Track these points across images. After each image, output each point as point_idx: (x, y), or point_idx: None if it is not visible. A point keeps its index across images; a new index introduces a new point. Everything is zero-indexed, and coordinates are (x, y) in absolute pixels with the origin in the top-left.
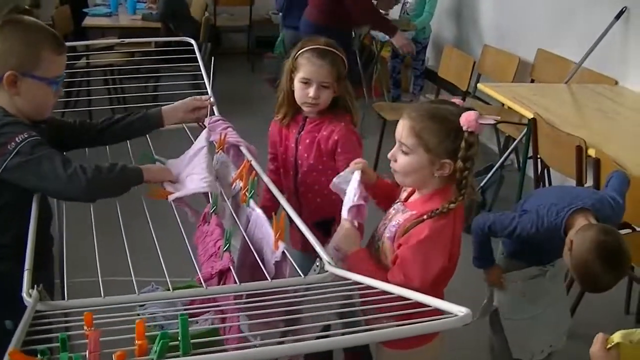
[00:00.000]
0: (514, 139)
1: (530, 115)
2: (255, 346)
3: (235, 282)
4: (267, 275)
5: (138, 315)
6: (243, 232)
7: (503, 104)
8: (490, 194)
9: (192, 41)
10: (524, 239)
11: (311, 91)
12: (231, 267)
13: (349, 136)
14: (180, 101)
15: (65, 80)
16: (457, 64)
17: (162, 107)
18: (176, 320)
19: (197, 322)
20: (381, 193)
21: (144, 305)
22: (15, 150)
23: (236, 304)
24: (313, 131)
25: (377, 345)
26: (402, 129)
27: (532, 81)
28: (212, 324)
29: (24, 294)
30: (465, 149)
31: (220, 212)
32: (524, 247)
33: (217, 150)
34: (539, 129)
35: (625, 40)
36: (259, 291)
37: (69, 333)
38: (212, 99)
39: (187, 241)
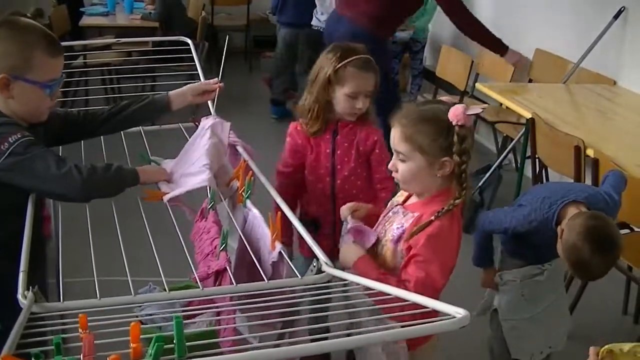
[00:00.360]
0: (512, 139)
1: (528, 115)
2: (251, 348)
3: (232, 283)
4: (264, 275)
5: (136, 316)
6: (240, 232)
7: (501, 104)
8: (488, 194)
9: (188, 40)
10: (521, 235)
11: (359, 103)
12: (227, 267)
13: (382, 136)
14: (188, 85)
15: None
16: (455, 63)
17: (169, 92)
18: (172, 323)
19: (194, 323)
20: (377, 218)
21: (142, 305)
22: (9, 151)
23: (233, 304)
24: (350, 134)
25: None
26: (395, 137)
27: (530, 81)
28: (208, 325)
29: (19, 296)
30: (458, 143)
31: (217, 209)
32: (522, 245)
33: None
34: (537, 129)
35: (623, 40)
36: (256, 292)
37: (65, 336)
38: (221, 84)
39: (182, 241)
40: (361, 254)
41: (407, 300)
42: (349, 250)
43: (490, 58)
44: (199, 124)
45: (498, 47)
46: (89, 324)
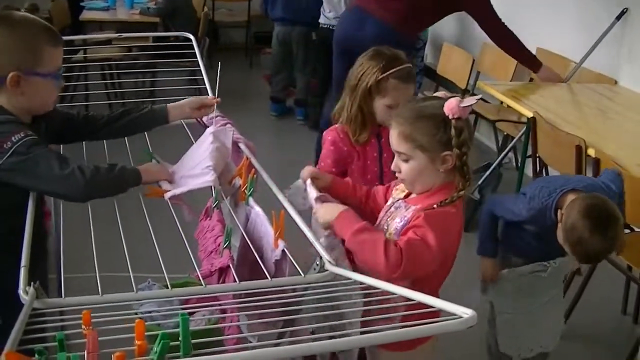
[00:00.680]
0: (513, 138)
1: (530, 114)
2: (254, 346)
3: (235, 280)
4: (266, 273)
5: (136, 313)
6: (242, 230)
7: (502, 102)
8: (488, 192)
9: (191, 36)
10: (521, 227)
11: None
12: (231, 265)
13: None
14: (187, 99)
15: (62, 74)
16: (456, 61)
17: (168, 104)
18: (174, 319)
19: (192, 320)
20: (343, 191)
21: (140, 302)
22: (11, 150)
23: (235, 302)
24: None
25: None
26: (394, 138)
27: (531, 80)
28: (210, 322)
29: (21, 292)
30: (456, 135)
31: (222, 207)
32: (522, 239)
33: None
34: (539, 128)
35: (624, 40)
36: (259, 290)
37: (67, 332)
38: (219, 99)
39: (184, 237)
40: (341, 208)
41: (412, 300)
42: (328, 207)
43: (492, 56)
44: (201, 120)
45: (532, 62)
46: (93, 320)
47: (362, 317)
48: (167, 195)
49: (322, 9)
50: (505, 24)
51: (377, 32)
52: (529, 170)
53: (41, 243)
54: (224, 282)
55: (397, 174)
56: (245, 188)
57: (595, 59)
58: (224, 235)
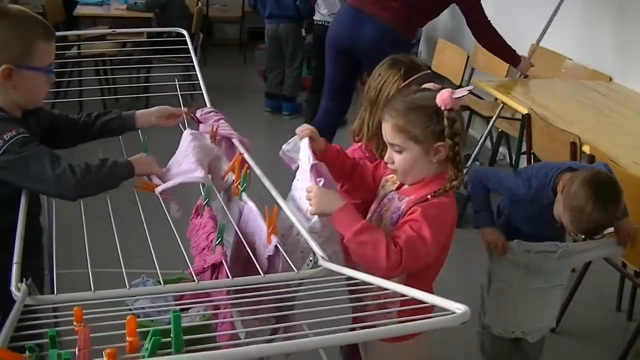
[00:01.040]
0: (507, 134)
1: (524, 111)
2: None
3: (228, 277)
4: (259, 269)
5: (129, 309)
6: (235, 226)
7: (496, 99)
8: None
9: (184, 32)
10: (518, 206)
11: None
12: (223, 261)
13: None
14: (156, 107)
15: (55, 70)
16: (451, 58)
17: (137, 111)
18: (167, 316)
19: (187, 316)
20: (332, 160)
21: (134, 298)
22: (3, 149)
23: (228, 298)
24: None
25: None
26: (388, 131)
27: (526, 76)
28: (203, 318)
29: (13, 288)
30: (449, 126)
31: (213, 205)
32: (520, 222)
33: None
34: (533, 124)
35: (619, 37)
36: (251, 286)
37: (58, 328)
38: (185, 112)
39: (176, 234)
40: (340, 202)
41: (406, 295)
42: (327, 196)
43: (486, 53)
44: (195, 115)
45: (513, 58)
46: (86, 316)
47: (356, 312)
48: (158, 189)
49: (316, 6)
50: (499, 22)
51: (376, 32)
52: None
53: (36, 239)
54: (217, 278)
55: (389, 165)
56: (239, 183)
57: (590, 56)
58: (216, 232)
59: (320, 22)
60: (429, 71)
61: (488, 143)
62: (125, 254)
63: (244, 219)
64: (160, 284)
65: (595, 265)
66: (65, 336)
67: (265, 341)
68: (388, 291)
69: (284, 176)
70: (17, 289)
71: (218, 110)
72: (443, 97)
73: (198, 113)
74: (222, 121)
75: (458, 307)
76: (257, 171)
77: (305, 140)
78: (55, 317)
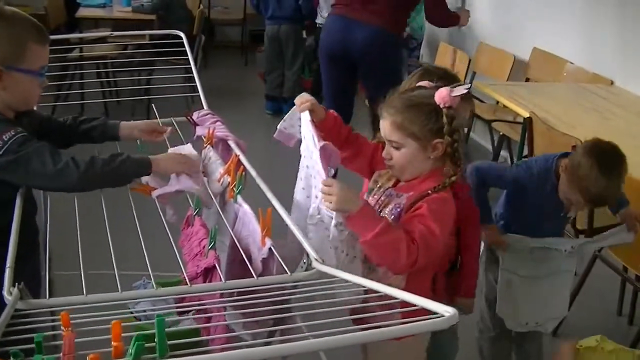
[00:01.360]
0: (508, 138)
1: (526, 114)
2: (241, 346)
3: (221, 280)
4: (253, 272)
5: (131, 312)
6: (230, 229)
7: (497, 102)
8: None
9: (182, 34)
10: (524, 196)
11: None
12: (217, 265)
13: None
14: (142, 121)
15: (57, 72)
16: (452, 61)
17: (122, 122)
18: (168, 318)
19: (188, 320)
20: (330, 128)
21: (136, 301)
22: (3, 149)
23: (222, 301)
24: None
25: None
26: (386, 127)
27: (528, 80)
28: (192, 323)
29: (5, 292)
30: (448, 123)
31: (203, 214)
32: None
33: (205, 145)
34: (535, 128)
35: (621, 40)
36: (245, 289)
37: (47, 333)
38: (169, 129)
39: (171, 238)
40: (360, 203)
41: (396, 298)
42: (348, 195)
43: (488, 56)
44: (191, 117)
45: (456, 21)
46: (77, 320)
47: (350, 314)
48: (155, 193)
49: (318, 9)
50: (501, 24)
51: (367, 35)
52: None
53: (32, 237)
54: (210, 282)
55: (386, 162)
56: (234, 186)
57: (591, 59)
58: (208, 238)
59: (322, 26)
60: (462, 82)
61: (489, 147)
62: (124, 256)
63: (239, 221)
64: (160, 286)
65: (597, 269)
66: (58, 341)
67: (262, 344)
68: (380, 294)
69: (284, 178)
70: (9, 293)
71: (217, 113)
72: (442, 95)
73: (195, 115)
74: (218, 123)
75: (446, 310)
76: (253, 173)
77: (307, 115)
78: (47, 321)
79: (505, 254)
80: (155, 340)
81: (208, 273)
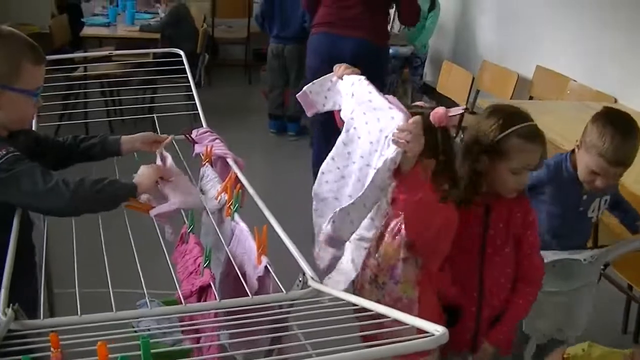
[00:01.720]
0: None
1: None
2: None
3: (216, 299)
4: (248, 291)
5: (135, 331)
6: (226, 246)
7: None
8: None
9: (181, 52)
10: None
11: (523, 179)
12: (212, 284)
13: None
14: (141, 133)
15: (61, 92)
16: (456, 79)
17: (123, 136)
18: (171, 337)
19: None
20: None
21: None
22: None
23: (217, 321)
24: (505, 212)
25: None
26: None
27: (531, 98)
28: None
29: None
30: (442, 143)
31: (197, 231)
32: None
33: (203, 163)
34: None
35: (624, 58)
36: (241, 307)
37: (37, 355)
38: (170, 137)
39: (167, 257)
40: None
41: (388, 317)
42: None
43: (491, 74)
44: (190, 135)
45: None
46: (73, 341)
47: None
48: (153, 212)
49: None
50: (505, 40)
51: (353, 47)
52: None
53: (28, 257)
54: (205, 301)
55: None
56: (231, 204)
57: (594, 77)
58: (203, 256)
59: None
60: (534, 123)
61: None
62: (127, 273)
63: (235, 239)
64: (161, 304)
65: (601, 286)
66: None
67: None
68: (371, 312)
69: (286, 196)
70: (4, 313)
71: (220, 131)
72: (438, 115)
73: (194, 133)
74: (217, 141)
75: (437, 329)
76: (251, 190)
77: (349, 78)
78: (46, 341)
79: None
80: None
81: (203, 292)
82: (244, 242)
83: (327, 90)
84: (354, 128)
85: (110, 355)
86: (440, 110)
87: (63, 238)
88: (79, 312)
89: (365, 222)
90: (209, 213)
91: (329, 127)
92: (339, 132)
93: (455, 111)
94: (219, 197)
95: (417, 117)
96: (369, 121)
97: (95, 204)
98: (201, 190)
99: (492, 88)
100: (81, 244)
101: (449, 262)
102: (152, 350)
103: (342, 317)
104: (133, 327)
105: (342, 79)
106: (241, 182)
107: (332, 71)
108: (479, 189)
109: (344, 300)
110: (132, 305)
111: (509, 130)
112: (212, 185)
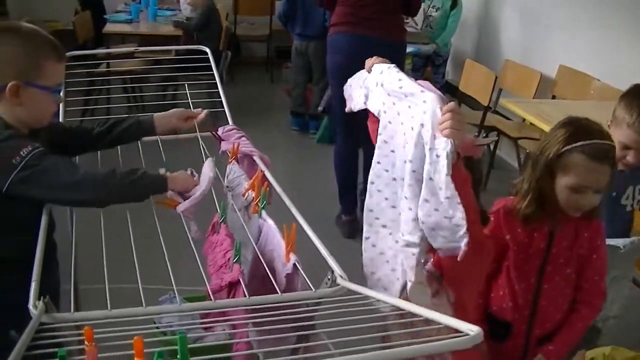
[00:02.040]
0: None
1: None
2: None
3: (245, 295)
4: (277, 288)
5: (157, 327)
6: (254, 244)
7: (524, 120)
8: None
9: (207, 49)
10: None
11: (585, 199)
12: (240, 280)
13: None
14: (174, 109)
15: (84, 87)
16: (478, 78)
17: (155, 114)
18: (194, 334)
19: (213, 335)
20: None
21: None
22: (22, 164)
23: (246, 317)
24: (571, 232)
25: None
26: None
27: (554, 97)
28: (224, 339)
29: (30, 306)
30: (466, 166)
31: (229, 222)
32: None
33: (229, 160)
34: None
35: None
36: (269, 305)
37: (70, 348)
38: (204, 112)
39: (195, 252)
40: None
41: (420, 316)
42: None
43: (514, 74)
44: (217, 133)
45: None
46: (101, 335)
47: (378, 331)
48: (180, 207)
49: None
50: (526, 40)
51: (372, 46)
52: None
53: (51, 255)
54: (234, 297)
55: None
56: (258, 201)
57: (618, 77)
58: (233, 250)
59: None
60: (604, 142)
61: (516, 164)
62: (151, 269)
63: (264, 236)
64: (184, 300)
65: None
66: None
67: None
68: (404, 311)
69: (309, 194)
70: (35, 306)
71: (242, 128)
72: (464, 145)
73: (220, 131)
74: (243, 138)
75: (471, 329)
76: (278, 188)
77: (384, 65)
78: (72, 335)
79: None
80: (178, 357)
81: (232, 287)
82: (272, 239)
83: (359, 88)
84: (389, 122)
85: (129, 352)
86: (466, 140)
87: (87, 236)
88: (108, 306)
89: (409, 225)
90: (237, 210)
91: (350, 123)
92: (358, 125)
93: (482, 141)
94: (246, 194)
95: (452, 104)
96: (400, 111)
97: (122, 196)
98: (227, 187)
99: (514, 87)
100: (106, 240)
101: (507, 275)
102: (189, 346)
103: (370, 316)
104: (155, 323)
105: (370, 72)
106: (268, 180)
107: (353, 70)
108: (546, 207)
109: (374, 298)
110: (155, 302)
111: (573, 145)
112: (239, 182)
